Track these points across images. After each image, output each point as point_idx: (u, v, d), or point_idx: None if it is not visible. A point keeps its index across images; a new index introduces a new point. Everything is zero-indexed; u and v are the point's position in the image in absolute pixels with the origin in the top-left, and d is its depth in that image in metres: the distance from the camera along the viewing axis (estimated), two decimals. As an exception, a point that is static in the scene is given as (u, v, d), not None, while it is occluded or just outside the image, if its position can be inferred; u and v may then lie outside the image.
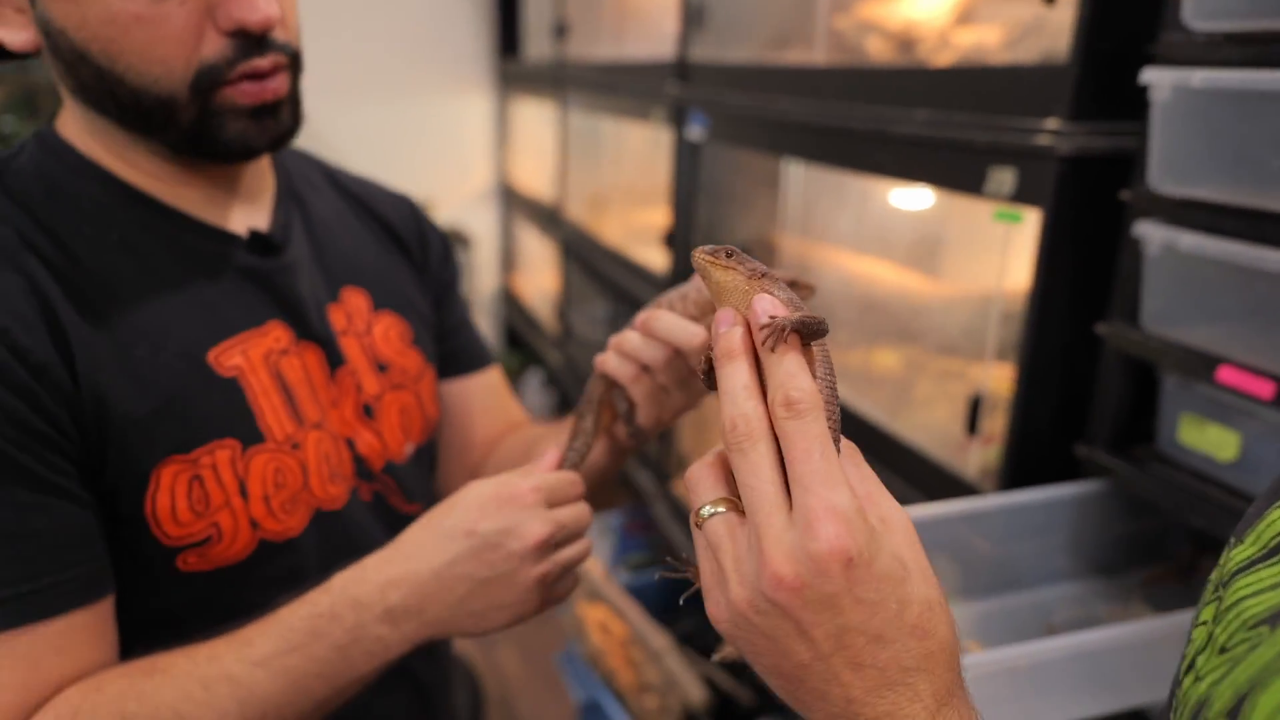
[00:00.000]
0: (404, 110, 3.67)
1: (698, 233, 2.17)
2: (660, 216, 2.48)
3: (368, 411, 0.89)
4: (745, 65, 1.88)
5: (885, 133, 1.36)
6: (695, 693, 2.00)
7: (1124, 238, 1.03)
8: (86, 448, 0.69)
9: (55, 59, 0.72)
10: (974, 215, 1.41)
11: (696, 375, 0.74)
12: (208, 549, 0.74)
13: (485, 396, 1.05)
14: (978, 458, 1.28)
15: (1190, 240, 0.93)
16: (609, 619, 2.20)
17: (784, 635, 0.45)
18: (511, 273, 4.22)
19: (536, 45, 3.48)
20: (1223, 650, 0.39)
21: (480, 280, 4.11)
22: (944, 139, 1.23)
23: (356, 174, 1.04)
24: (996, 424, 1.27)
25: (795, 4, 1.79)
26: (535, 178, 3.61)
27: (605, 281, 2.78)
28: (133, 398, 0.71)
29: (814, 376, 0.47)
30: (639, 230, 2.72)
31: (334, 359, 0.86)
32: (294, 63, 0.78)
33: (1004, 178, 1.14)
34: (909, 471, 1.35)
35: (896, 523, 0.47)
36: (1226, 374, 0.93)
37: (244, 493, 0.76)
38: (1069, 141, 1.05)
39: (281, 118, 0.77)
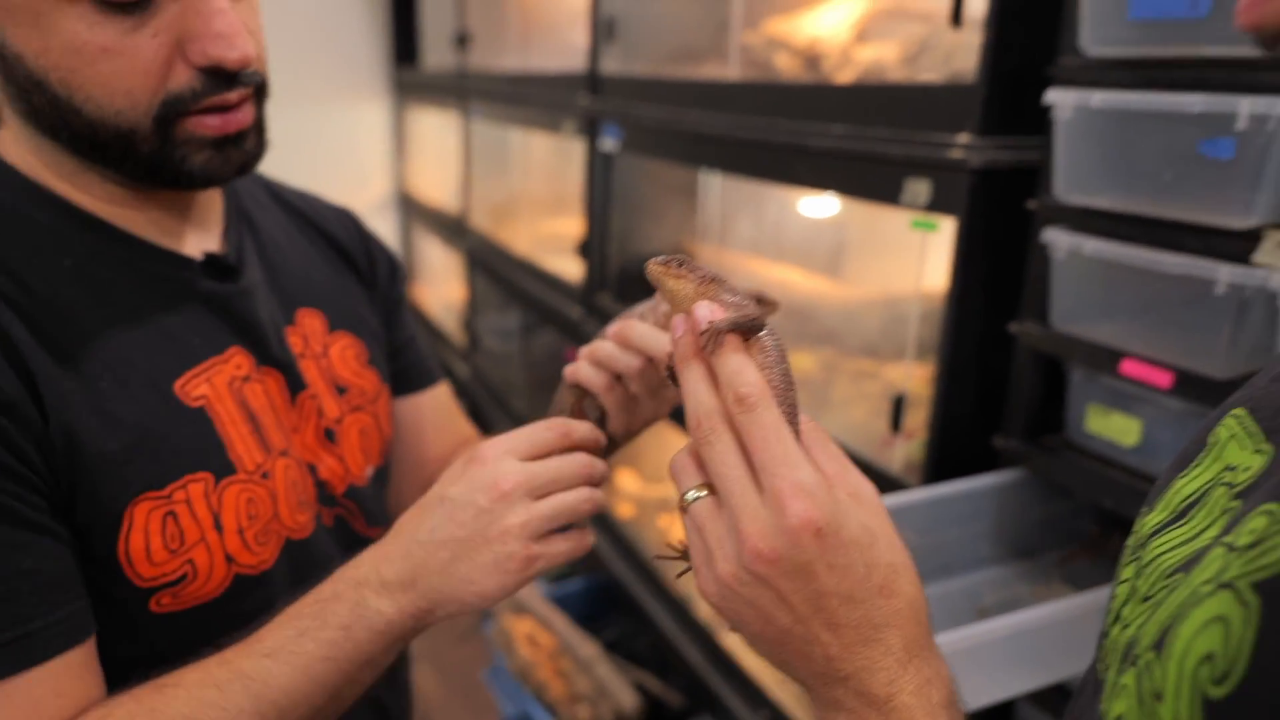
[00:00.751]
0: (295, 118, 3.55)
1: (612, 242, 2.20)
2: (572, 226, 2.50)
3: (329, 436, 0.87)
4: (660, 79, 1.93)
5: (803, 146, 1.42)
6: (627, 699, 2.02)
7: (1032, 244, 1.11)
8: (58, 488, 0.65)
9: (5, 82, 0.68)
10: (887, 223, 1.49)
11: (667, 384, 0.78)
12: (182, 588, 0.72)
13: (436, 413, 1.05)
14: (901, 453, 1.35)
15: (1093, 245, 1.02)
16: (536, 630, 2.20)
17: (767, 603, 0.49)
18: (412, 284, 4.15)
19: (436, 54, 3.44)
20: (1145, 599, 0.44)
21: (381, 293, 4.03)
22: (861, 152, 1.30)
23: (296, 188, 1.02)
24: (916, 420, 1.34)
25: (708, 20, 1.84)
26: (437, 187, 3.57)
27: (516, 292, 2.77)
28: (103, 434, 0.68)
29: (766, 368, 0.52)
30: (550, 240, 2.73)
31: (294, 384, 0.85)
32: (260, 91, 0.75)
33: (919, 189, 1.21)
34: (836, 469, 1.41)
35: (865, 495, 0.51)
36: (1130, 366, 1.01)
37: (219, 526, 0.73)
38: (979, 155, 1.13)
39: (246, 146, 0.75)
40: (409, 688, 1.02)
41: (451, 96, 3.17)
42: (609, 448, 0.83)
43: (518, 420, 2.95)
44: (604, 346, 0.79)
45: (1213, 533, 0.43)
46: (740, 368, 0.51)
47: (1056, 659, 1.01)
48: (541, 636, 2.18)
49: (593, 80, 2.12)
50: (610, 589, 2.34)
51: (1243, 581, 0.35)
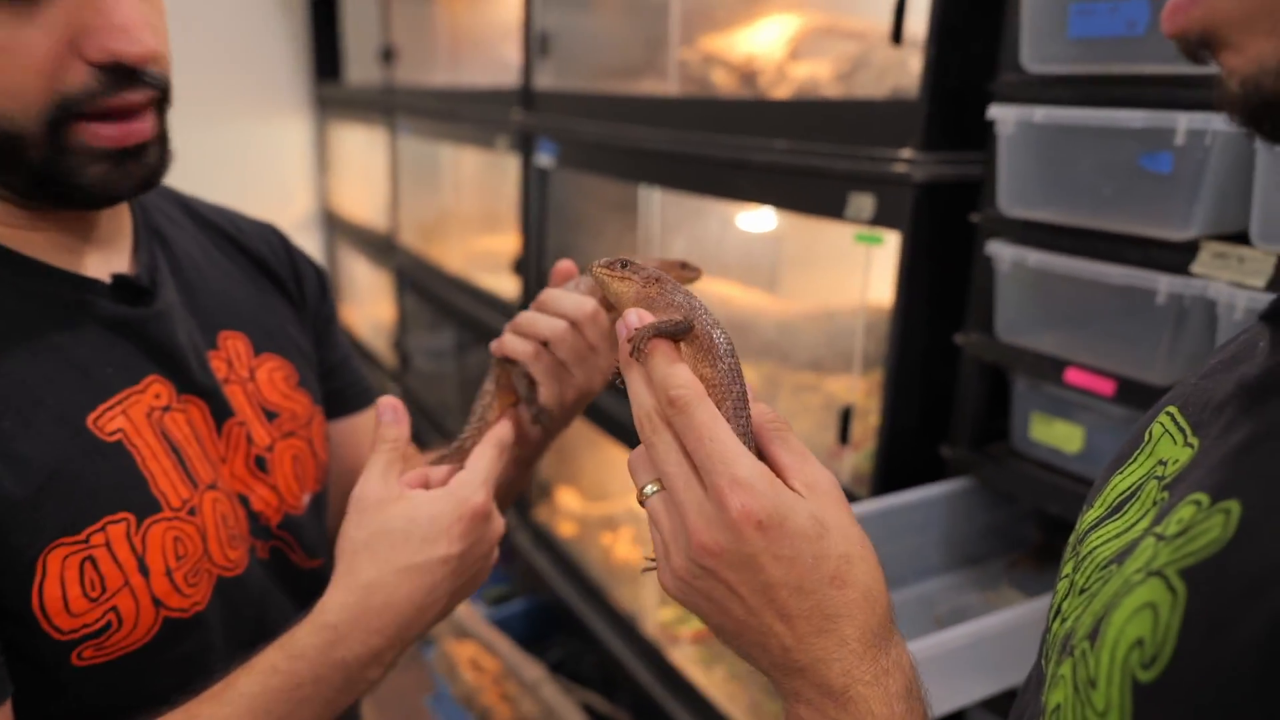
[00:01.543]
0: (211, 134, 3.43)
1: (549, 258, 2.18)
2: (506, 242, 2.47)
3: (260, 464, 0.83)
4: (598, 94, 1.92)
5: (746, 161, 1.43)
6: (574, 720, 1.99)
7: (976, 256, 1.14)
8: None
9: None
10: (829, 237, 1.51)
11: (595, 350, 0.80)
12: (106, 639, 0.66)
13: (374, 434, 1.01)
14: (850, 464, 1.36)
15: (1037, 258, 1.04)
16: (479, 655, 2.15)
17: (719, 596, 0.50)
18: (338, 304, 4.05)
19: (360, 69, 3.37)
20: (1082, 591, 0.46)
21: (305, 313, 3.92)
22: (805, 167, 1.31)
23: (212, 203, 0.97)
24: (861, 431, 1.35)
25: (646, 36, 1.84)
26: (364, 205, 3.49)
27: (449, 310, 2.72)
28: (9, 478, 0.63)
29: (709, 364, 0.53)
30: (484, 257, 2.69)
31: (220, 411, 0.80)
32: (164, 96, 0.70)
33: (863, 203, 1.22)
34: (785, 482, 1.41)
35: (822, 485, 0.51)
36: (1074, 375, 1.04)
37: (144, 569, 0.68)
38: (923, 169, 1.15)
39: (148, 160, 0.69)
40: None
41: (377, 112, 3.11)
42: (545, 419, 0.83)
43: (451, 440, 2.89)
44: (526, 314, 0.80)
45: (1144, 524, 0.44)
46: (668, 371, 0.52)
47: (1011, 665, 1.02)
48: (485, 660, 2.13)
49: (526, 96, 2.10)
50: (553, 609, 2.30)
51: (1170, 569, 0.37)
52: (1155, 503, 0.45)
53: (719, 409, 0.51)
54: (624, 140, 1.74)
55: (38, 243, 0.71)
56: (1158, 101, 0.90)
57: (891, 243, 1.21)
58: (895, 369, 1.24)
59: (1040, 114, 0.99)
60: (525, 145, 2.11)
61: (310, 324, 0.97)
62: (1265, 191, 0.84)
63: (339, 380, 0.99)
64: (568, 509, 2.37)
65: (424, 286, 2.93)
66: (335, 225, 3.87)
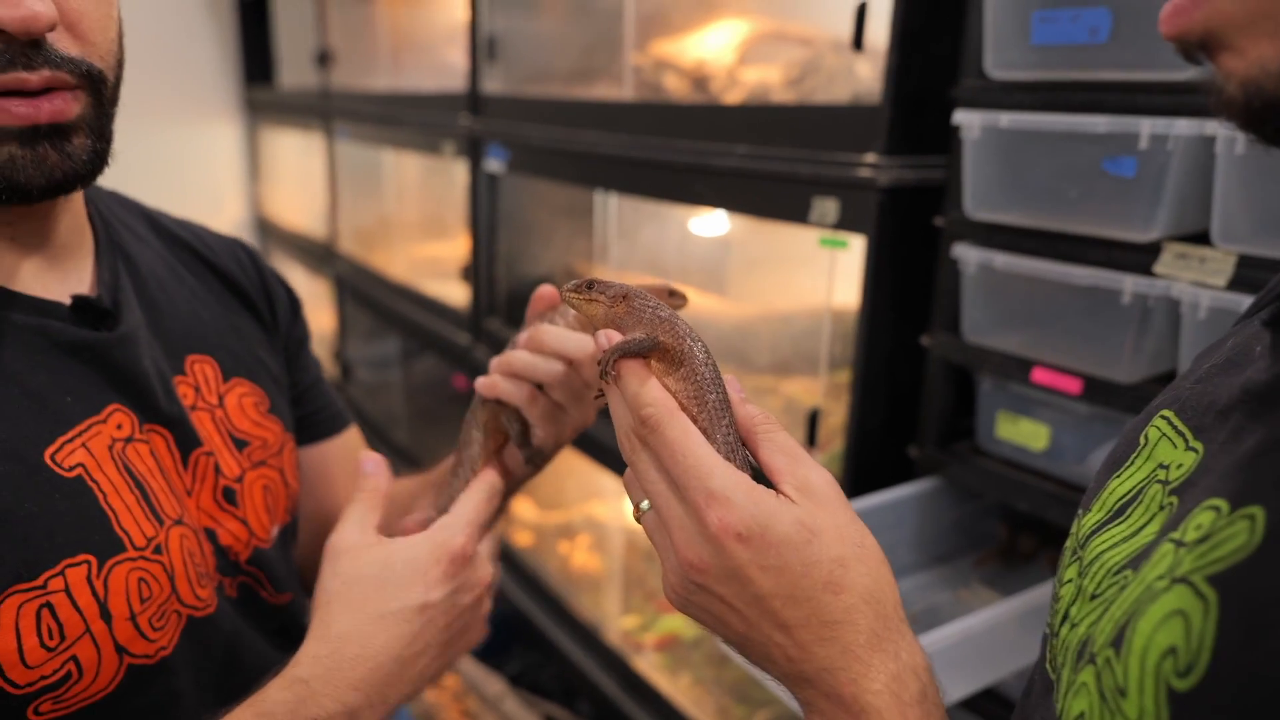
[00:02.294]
0: (135, 136, 3.28)
1: (499, 265, 2.15)
2: (454, 249, 2.43)
3: (229, 496, 0.78)
4: (549, 99, 1.90)
5: (706, 166, 1.42)
6: (537, 733, 1.96)
7: (942, 258, 1.15)
8: None
9: None
10: (790, 241, 1.51)
11: (591, 387, 0.76)
12: (65, 690, 0.62)
13: (347, 461, 0.96)
14: (817, 467, 1.36)
15: (1004, 260, 1.06)
16: (436, 671, 2.11)
17: (717, 610, 0.49)
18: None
19: (294, 73, 3.29)
20: (1093, 597, 0.45)
21: (239, 323, 3.80)
22: (768, 172, 1.31)
23: (179, 217, 0.92)
24: (824, 433, 1.36)
25: (598, 40, 1.83)
26: (300, 211, 3.40)
27: (394, 319, 2.67)
28: None
29: (686, 379, 0.52)
30: (429, 264, 2.64)
31: (186, 442, 0.75)
32: (92, 84, 0.62)
33: (827, 207, 1.23)
34: (752, 486, 1.41)
35: (815, 487, 0.50)
36: (1040, 374, 1.06)
37: (106, 615, 0.63)
38: (887, 174, 1.16)
39: (69, 150, 0.61)
40: None
41: (313, 117, 3.03)
42: (539, 460, 0.80)
43: (398, 452, 2.83)
44: (520, 356, 0.75)
45: (1153, 528, 0.44)
46: (638, 391, 0.51)
47: (988, 664, 1.04)
48: (445, 676, 2.09)
49: (474, 100, 2.06)
50: (511, 621, 2.27)
51: (1197, 575, 0.36)
52: (1162, 507, 0.45)
53: (695, 420, 0.51)
54: (579, 145, 1.72)
55: None
56: (1120, 107, 0.93)
57: (856, 246, 1.22)
58: (863, 370, 1.25)
59: (1006, 119, 1.01)
60: (473, 150, 2.08)
61: (281, 347, 0.93)
62: (1225, 193, 0.86)
63: (310, 405, 0.95)
64: (524, 518, 2.34)
65: (365, 294, 2.86)
66: (269, 232, 3.76)
